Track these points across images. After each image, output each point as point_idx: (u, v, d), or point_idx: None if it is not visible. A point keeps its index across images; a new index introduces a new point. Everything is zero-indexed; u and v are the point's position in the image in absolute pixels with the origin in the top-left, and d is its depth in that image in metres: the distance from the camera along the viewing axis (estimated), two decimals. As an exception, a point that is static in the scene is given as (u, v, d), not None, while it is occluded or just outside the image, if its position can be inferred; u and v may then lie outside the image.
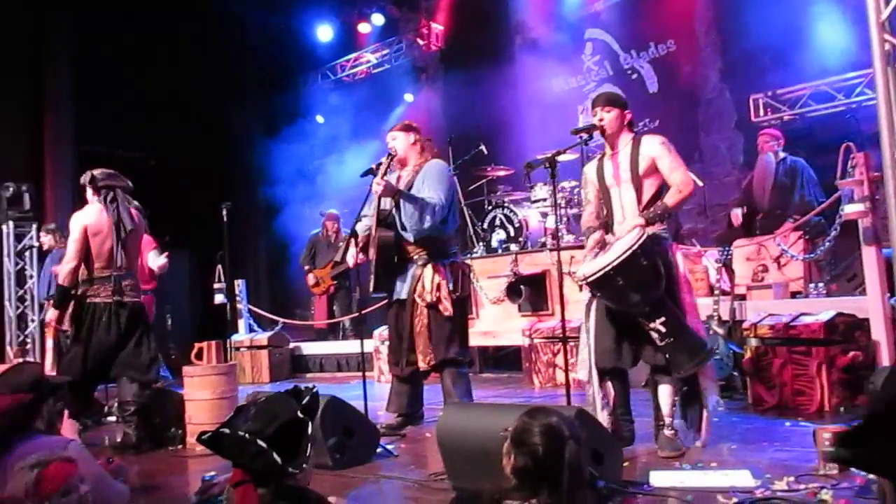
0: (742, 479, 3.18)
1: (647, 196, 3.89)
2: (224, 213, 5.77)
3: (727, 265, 5.74)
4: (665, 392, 3.88)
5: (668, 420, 3.85)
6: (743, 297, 5.98)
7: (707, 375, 3.89)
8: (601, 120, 4.00)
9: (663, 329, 3.69)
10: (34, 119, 10.19)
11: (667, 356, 3.77)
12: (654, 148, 3.90)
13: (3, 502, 2.14)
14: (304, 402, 2.16)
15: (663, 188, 3.89)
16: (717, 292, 5.63)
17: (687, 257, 6.57)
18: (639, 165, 3.89)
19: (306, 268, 9.54)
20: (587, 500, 2.00)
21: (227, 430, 2.04)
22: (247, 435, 1.97)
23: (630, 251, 3.59)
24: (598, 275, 3.64)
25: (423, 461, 4.10)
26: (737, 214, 7.24)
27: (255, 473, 1.97)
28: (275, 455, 1.94)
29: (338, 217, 9.55)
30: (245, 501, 1.92)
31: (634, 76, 9.60)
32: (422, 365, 4.86)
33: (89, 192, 5.12)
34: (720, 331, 5.40)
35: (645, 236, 3.67)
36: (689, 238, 8.13)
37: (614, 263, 3.60)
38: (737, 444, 3.84)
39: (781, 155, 6.90)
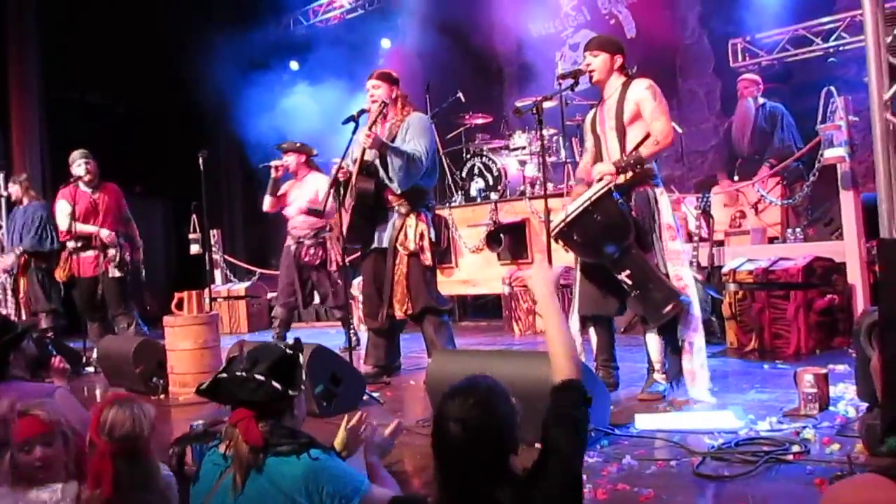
0: (726, 420, 3.24)
1: (631, 145, 3.74)
2: (200, 161, 5.67)
3: (706, 211, 5.77)
4: (652, 339, 3.84)
5: (657, 366, 3.84)
6: (721, 243, 6.04)
7: (688, 325, 3.71)
8: (588, 65, 3.93)
9: (629, 282, 3.65)
10: (-3, 64, 9.80)
11: (640, 307, 3.76)
12: (640, 92, 3.79)
13: None
14: (290, 344, 2.26)
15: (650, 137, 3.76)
16: (695, 239, 5.68)
17: (666, 204, 6.61)
18: (623, 112, 3.78)
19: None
20: None
21: (224, 375, 2.10)
22: (244, 373, 2.05)
23: (581, 208, 3.56)
24: (556, 230, 3.65)
25: (408, 408, 4.15)
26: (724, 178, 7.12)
27: (256, 406, 2.03)
28: (274, 383, 2.02)
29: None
30: (249, 435, 1.97)
31: (612, 21, 9.47)
32: (399, 314, 4.85)
33: None
34: (699, 276, 5.44)
35: (604, 189, 3.58)
36: (665, 184, 8.14)
37: (568, 219, 3.59)
38: (718, 387, 3.90)
39: (761, 100, 6.90)
